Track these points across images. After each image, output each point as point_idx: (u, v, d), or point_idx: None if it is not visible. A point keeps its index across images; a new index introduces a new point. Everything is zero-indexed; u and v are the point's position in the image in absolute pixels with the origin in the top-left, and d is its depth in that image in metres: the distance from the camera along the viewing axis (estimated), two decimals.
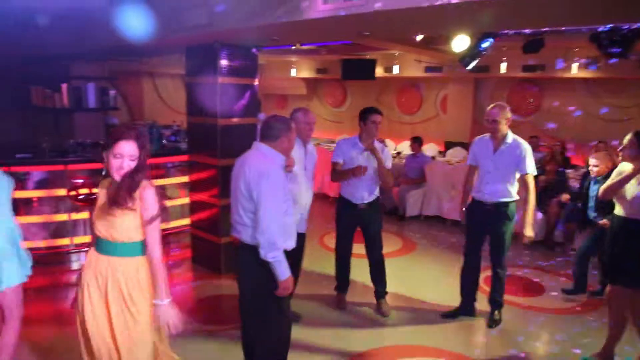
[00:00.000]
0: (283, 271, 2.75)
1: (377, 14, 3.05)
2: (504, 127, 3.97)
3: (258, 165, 2.76)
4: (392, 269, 5.60)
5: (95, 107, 7.55)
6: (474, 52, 6.17)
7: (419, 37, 6.73)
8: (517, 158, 3.94)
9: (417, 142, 8.15)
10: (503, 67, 8.57)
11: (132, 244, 2.41)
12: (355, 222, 4.45)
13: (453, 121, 10.21)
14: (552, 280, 5.33)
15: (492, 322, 4.25)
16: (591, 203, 4.69)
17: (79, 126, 7.93)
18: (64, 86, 7.33)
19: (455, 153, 9.30)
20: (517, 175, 4.03)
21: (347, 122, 12.17)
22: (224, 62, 4.99)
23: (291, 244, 2.91)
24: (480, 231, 4.23)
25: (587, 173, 6.34)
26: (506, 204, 4.03)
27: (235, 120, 5.18)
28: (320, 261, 5.59)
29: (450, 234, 7.08)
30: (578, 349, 3.87)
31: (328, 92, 12.81)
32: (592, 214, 4.67)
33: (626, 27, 5.36)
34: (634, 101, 8.43)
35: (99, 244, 2.45)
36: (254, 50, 5.25)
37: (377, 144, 4.28)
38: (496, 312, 4.30)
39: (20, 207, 5.25)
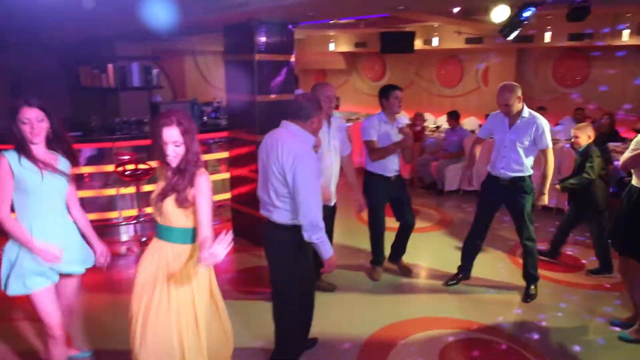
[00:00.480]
0: (327, 249, 2.84)
1: None
2: (517, 105, 3.99)
3: (292, 148, 2.75)
4: (428, 242, 5.70)
5: (139, 85, 7.85)
6: (514, 21, 5.96)
7: (456, 9, 6.57)
8: (535, 133, 3.96)
9: (453, 117, 8.05)
10: (547, 36, 8.27)
11: (183, 230, 2.44)
12: (387, 194, 4.56)
13: (494, 94, 9.92)
14: (592, 255, 5.25)
15: (528, 297, 4.27)
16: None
17: (125, 105, 8.24)
18: (110, 66, 7.63)
19: None
20: (535, 151, 4.06)
21: None
22: (260, 40, 5.07)
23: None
24: (493, 205, 4.32)
25: None
26: (522, 178, 4.08)
27: (272, 96, 5.28)
28: (355, 234, 5.69)
29: None
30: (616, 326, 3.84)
31: (367, 66, 12.71)
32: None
33: None
34: None
35: (156, 228, 2.51)
36: (290, 26, 5.30)
37: (401, 119, 4.46)
38: (532, 286, 4.31)
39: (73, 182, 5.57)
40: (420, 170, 8.29)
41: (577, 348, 3.56)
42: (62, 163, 2.74)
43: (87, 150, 6.07)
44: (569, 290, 4.48)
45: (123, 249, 5.46)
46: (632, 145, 3.45)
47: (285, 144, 2.79)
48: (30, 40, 7.60)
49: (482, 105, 10.18)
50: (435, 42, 9.89)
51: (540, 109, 8.26)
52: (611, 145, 6.81)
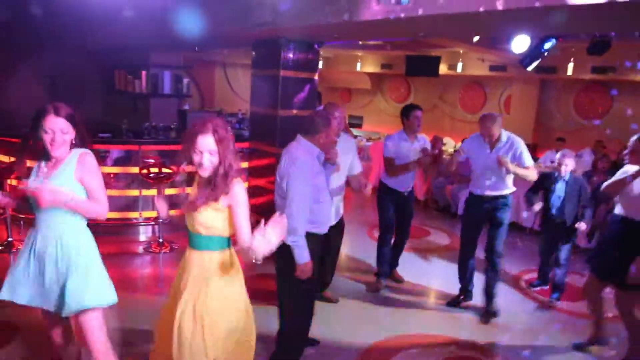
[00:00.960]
0: (301, 255, 2.97)
1: (424, 18, 3.24)
2: (496, 131, 4.20)
3: (292, 155, 3.00)
4: (437, 264, 5.80)
5: (169, 93, 8.17)
6: (535, 52, 6.10)
7: (476, 38, 6.74)
8: (514, 154, 4.18)
9: None
10: (570, 68, 8.36)
11: (215, 238, 2.41)
12: (397, 209, 4.78)
13: (516, 122, 10.02)
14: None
15: (489, 315, 4.40)
16: (557, 202, 4.73)
17: (155, 110, 8.57)
18: (144, 73, 7.98)
19: None
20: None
21: None
22: (286, 56, 5.33)
23: (324, 229, 3.18)
24: (478, 224, 4.49)
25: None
26: (505, 195, 4.31)
27: (294, 111, 5.51)
28: (363, 250, 5.85)
29: None
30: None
31: (392, 88, 12.91)
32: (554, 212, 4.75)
33: None
34: None
35: (188, 237, 2.48)
36: (315, 45, 5.54)
37: (420, 138, 4.70)
38: (492, 303, 4.43)
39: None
40: (435, 193, 8.40)
41: None
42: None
43: (115, 151, 6.37)
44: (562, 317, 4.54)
45: (140, 249, 5.71)
46: (618, 174, 3.57)
47: (289, 153, 3.03)
48: (71, 43, 8.00)
49: None
50: (459, 67, 10.05)
51: (560, 140, 8.35)
52: None
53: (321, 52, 10.55)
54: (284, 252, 3.04)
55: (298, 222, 2.92)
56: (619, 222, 3.61)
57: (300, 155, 3.00)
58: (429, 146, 4.77)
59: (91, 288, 2.52)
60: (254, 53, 5.79)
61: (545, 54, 6.30)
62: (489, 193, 4.32)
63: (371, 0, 3.37)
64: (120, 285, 4.57)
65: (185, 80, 8.36)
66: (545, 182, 4.76)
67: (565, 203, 4.68)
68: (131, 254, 5.60)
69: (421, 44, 8.41)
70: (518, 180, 4.32)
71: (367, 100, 13.32)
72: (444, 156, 9.06)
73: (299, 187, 2.93)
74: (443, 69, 10.13)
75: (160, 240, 5.74)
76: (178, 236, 5.82)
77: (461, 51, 9.58)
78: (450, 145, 10.42)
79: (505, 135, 4.24)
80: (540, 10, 3.09)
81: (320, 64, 11.64)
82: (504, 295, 4.81)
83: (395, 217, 4.81)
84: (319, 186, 3.08)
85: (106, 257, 2.69)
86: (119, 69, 8.66)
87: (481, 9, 3.14)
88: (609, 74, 8.33)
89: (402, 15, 3.24)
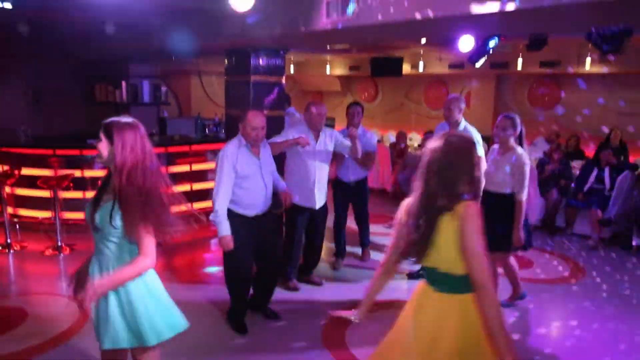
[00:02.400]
0: (221, 230, 3.62)
1: (366, 27, 3.87)
2: (457, 115, 4.69)
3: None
4: None
5: (149, 101, 8.69)
6: (481, 50, 6.77)
7: (423, 40, 7.38)
8: None
9: (429, 136, 8.84)
10: (519, 63, 9.09)
11: (453, 276, 2.07)
12: (346, 198, 5.47)
13: (476, 115, 10.72)
14: (546, 259, 5.98)
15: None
16: None
17: (135, 119, 9.04)
18: (123, 83, 8.49)
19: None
20: None
21: (379, 117, 12.89)
22: (255, 63, 5.91)
23: (249, 212, 3.76)
24: None
25: (588, 163, 6.96)
26: None
27: (265, 112, 6.05)
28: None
29: None
30: None
31: (361, 89, 13.55)
32: None
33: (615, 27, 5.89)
34: None
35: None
36: (281, 52, 6.13)
37: (360, 130, 5.17)
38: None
39: (88, 185, 6.36)
40: (402, 184, 9.05)
41: None
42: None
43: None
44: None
45: None
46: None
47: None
48: (53, 55, 8.45)
49: None
50: (421, 67, 10.73)
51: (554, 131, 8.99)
52: (573, 163, 7.62)
53: (292, 57, 11.21)
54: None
55: (217, 202, 3.62)
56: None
57: (227, 146, 3.66)
58: (367, 137, 5.33)
59: None
60: (226, 61, 6.36)
61: (491, 51, 7.00)
62: None
63: (322, 14, 3.98)
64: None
65: (164, 89, 8.88)
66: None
67: None
68: None
69: (384, 46, 9.02)
70: None
71: (338, 102, 13.93)
72: (409, 150, 9.76)
73: (218, 173, 3.64)
74: (406, 68, 10.79)
75: None
76: None
77: (421, 52, 10.26)
78: (416, 139, 11.10)
79: (463, 124, 4.74)
80: (463, 17, 3.73)
81: (292, 69, 12.29)
82: None
83: (347, 204, 5.49)
84: (242, 174, 3.66)
85: None
86: (99, 81, 9.14)
87: (417, 16, 3.76)
88: (555, 67, 9.08)
89: (347, 25, 3.86)
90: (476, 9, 3.46)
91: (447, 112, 4.73)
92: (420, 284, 2.26)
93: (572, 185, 7.10)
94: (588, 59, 8.50)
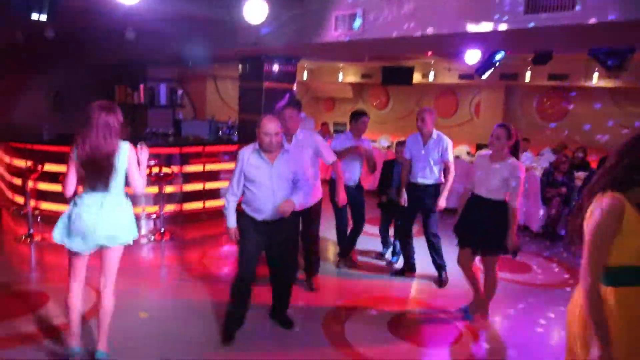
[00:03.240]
0: (228, 221, 3.82)
1: (372, 41, 4.11)
2: (430, 125, 4.97)
3: None
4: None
5: (165, 104, 9.01)
6: (487, 63, 6.98)
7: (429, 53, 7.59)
8: (441, 149, 4.99)
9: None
10: (528, 75, 9.26)
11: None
12: (348, 200, 5.47)
13: (485, 125, 10.93)
14: (544, 265, 6.14)
15: (441, 283, 5.24)
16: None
17: (152, 120, 9.40)
18: (142, 86, 8.82)
19: None
20: (441, 163, 5.05)
21: (390, 124, 13.10)
22: (268, 70, 6.19)
23: (257, 215, 3.79)
24: (414, 207, 5.23)
25: (592, 174, 7.11)
26: (436, 185, 5.08)
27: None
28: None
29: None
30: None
31: (372, 96, 13.78)
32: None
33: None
34: None
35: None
36: (293, 60, 6.40)
37: (363, 139, 5.38)
38: (443, 273, 5.27)
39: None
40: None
41: None
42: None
43: None
44: (513, 288, 5.36)
45: (144, 240, 6.50)
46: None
47: None
48: (76, 59, 8.83)
49: (474, 134, 11.16)
50: (431, 76, 10.94)
51: (525, 140, 9.20)
52: (577, 174, 7.77)
53: (305, 64, 11.46)
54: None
55: (226, 196, 3.84)
56: (471, 198, 4.31)
57: (243, 148, 3.82)
58: (369, 146, 5.45)
59: None
60: (240, 68, 6.64)
61: (497, 64, 7.20)
62: (421, 182, 5.07)
63: (331, 27, 4.24)
64: (126, 273, 5.31)
65: (180, 92, 9.20)
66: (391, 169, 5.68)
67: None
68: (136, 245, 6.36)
69: (396, 55, 9.24)
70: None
71: (350, 109, 14.13)
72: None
73: (234, 171, 3.80)
74: (417, 77, 11.00)
75: (162, 229, 6.52)
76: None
77: (432, 62, 10.47)
78: None
79: (435, 133, 5.02)
80: (464, 34, 3.96)
81: (305, 76, 12.57)
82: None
83: (350, 208, 5.52)
84: (250, 178, 3.74)
85: None
86: (118, 84, 9.50)
87: (418, 34, 4.00)
88: (562, 81, 9.23)
89: (355, 38, 4.10)
90: (476, 28, 3.69)
91: (421, 122, 4.98)
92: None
93: (575, 195, 7.25)
94: (595, 74, 8.65)
